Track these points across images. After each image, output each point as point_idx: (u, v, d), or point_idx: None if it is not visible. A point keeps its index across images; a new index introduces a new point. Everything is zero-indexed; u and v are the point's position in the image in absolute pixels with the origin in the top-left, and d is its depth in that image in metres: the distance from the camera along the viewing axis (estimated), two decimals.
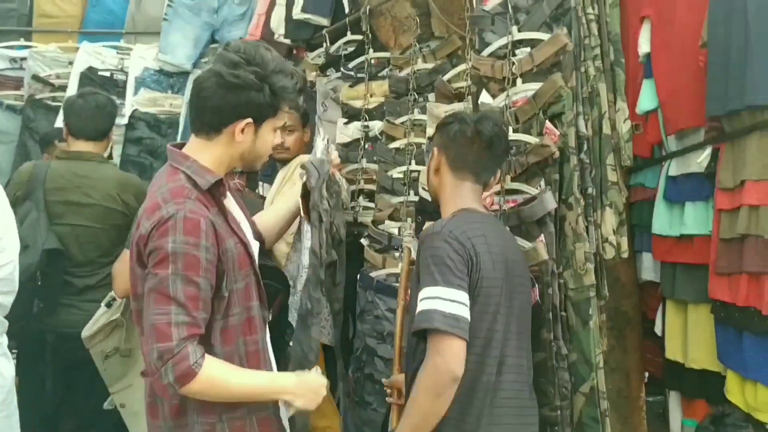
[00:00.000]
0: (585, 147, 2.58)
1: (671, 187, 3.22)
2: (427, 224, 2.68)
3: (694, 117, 3.04)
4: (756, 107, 2.66)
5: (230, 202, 2.43)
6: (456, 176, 2.49)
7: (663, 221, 3.24)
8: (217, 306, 2.24)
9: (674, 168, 3.20)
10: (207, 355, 2.14)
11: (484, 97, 2.77)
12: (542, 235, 2.55)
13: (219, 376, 2.15)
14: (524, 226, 2.62)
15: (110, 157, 5.59)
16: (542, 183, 2.58)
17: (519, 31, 2.66)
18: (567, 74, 2.54)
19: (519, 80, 2.66)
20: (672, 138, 3.26)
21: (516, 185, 2.67)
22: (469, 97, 2.98)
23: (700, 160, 2.99)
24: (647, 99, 3.30)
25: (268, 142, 2.36)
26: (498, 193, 2.73)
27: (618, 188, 2.65)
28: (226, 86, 2.22)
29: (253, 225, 2.60)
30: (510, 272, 2.37)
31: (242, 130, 2.27)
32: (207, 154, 2.29)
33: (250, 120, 2.26)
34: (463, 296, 2.23)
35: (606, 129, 2.63)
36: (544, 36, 2.58)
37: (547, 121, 2.57)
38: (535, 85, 2.60)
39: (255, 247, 2.46)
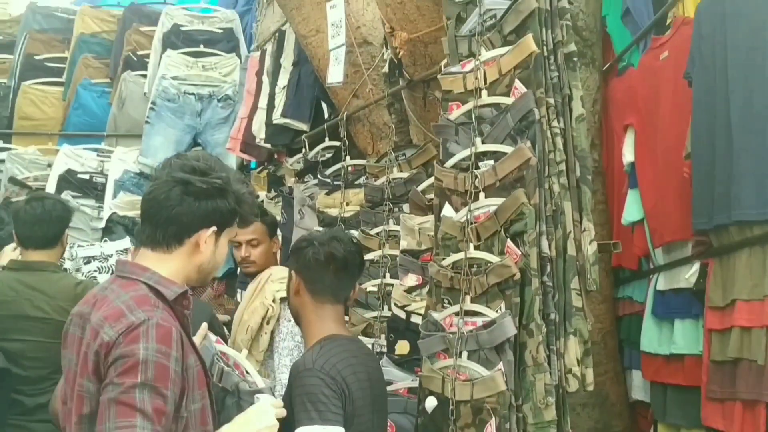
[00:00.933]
0: (548, 269, 2.39)
1: (659, 302, 3.08)
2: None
3: (680, 230, 2.92)
4: (744, 223, 2.53)
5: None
6: (315, 299, 2.53)
7: (652, 338, 3.08)
8: (174, 428, 2.04)
9: (662, 282, 3.06)
10: None
11: (447, 211, 2.63)
12: (500, 362, 2.35)
13: None
14: (482, 352, 2.42)
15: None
16: (502, 306, 2.40)
17: (483, 142, 2.53)
18: (530, 190, 2.38)
19: (482, 194, 2.52)
20: (659, 251, 3.13)
21: (476, 307, 2.49)
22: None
23: (689, 275, 2.85)
24: (633, 210, 3.20)
25: (224, 252, 2.24)
26: (456, 314, 2.55)
27: (583, 315, 2.45)
28: (194, 194, 2.09)
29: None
30: (375, 395, 2.48)
31: (204, 241, 2.13)
32: (165, 268, 2.12)
33: (215, 228, 2.13)
34: (341, 431, 2.28)
35: (571, 250, 2.44)
36: (507, 149, 2.45)
37: (508, 239, 2.41)
38: (498, 200, 2.45)
39: None
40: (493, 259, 2.44)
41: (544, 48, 2.45)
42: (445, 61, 2.83)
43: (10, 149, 6.24)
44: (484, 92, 2.52)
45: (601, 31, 3.43)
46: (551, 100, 2.49)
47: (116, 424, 1.88)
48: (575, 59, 2.57)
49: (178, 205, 2.10)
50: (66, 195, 5.78)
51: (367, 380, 2.43)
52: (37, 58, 6.50)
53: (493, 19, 2.53)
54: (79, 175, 5.96)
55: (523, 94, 2.44)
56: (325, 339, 2.45)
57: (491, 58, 2.51)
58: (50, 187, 5.88)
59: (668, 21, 3.18)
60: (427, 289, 2.90)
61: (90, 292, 2.18)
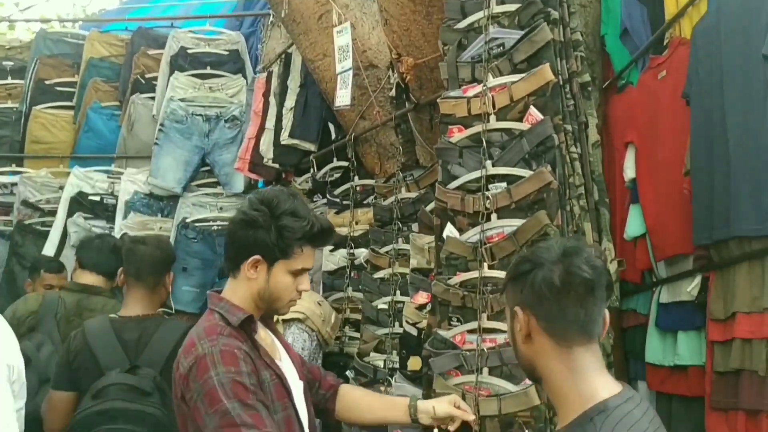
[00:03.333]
0: None
1: (663, 314, 3.15)
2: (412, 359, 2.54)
3: (681, 244, 3.00)
4: (743, 237, 2.61)
5: (266, 340, 2.42)
6: (560, 342, 1.76)
7: (656, 350, 3.15)
8: None
9: (665, 295, 3.13)
10: None
11: (450, 231, 2.73)
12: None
13: None
14: (506, 367, 2.52)
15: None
16: None
17: (493, 165, 2.63)
18: (552, 212, 2.49)
19: (494, 215, 2.61)
20: (662, 264, 3.20)
21: (496, 324, 2.58)
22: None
23: (690, 288, 2.93)
24: (634, 225, 3.27)
25: (282, 283, 2.33)
26: (470, 332, 2.64)
27: (608, 332, 2.56)
28: (240, 224, 2.31)
29: (300, 365, 2.53)
30: None
31: (254, 267, 2.30)
32: (236, 294, 2.34)
33: (258, 257, 2.29)
34: None
35: None
36: (523, 172, 2.55)
37: None
38: (513, 222, 2.55)
39: (294, 383, 2.40)
40: None
41: (560, 77, 2.56)
42: None
43: (22, 173, 6.33)
44: (493, 117, 2.61)
45: (600, 50, 3.52)
46: (569, 127, 2.60)
47: None
48: (590, 89, 2.69)
49: (231, 233, 2.37)
50: (78, 216, 5.89)
51: None
52: (47, 82, 6.57)
53: (501, 48, 2.62)
54: (90, 197, 6.04)
55: (542, 121, 2.55)
56: (597, 412, 1.67)
57: (500, 84, 2.60)
58: (62, 210, 5.97)
59: (665, 41, 3.27)
60: None
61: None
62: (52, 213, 6.01)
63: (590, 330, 1.75)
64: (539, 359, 1.79)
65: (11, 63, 6.77)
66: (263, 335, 2.42)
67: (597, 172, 2.82)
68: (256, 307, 2.35)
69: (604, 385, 1.73)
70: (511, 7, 2.61)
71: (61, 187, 6.09)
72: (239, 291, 2.34)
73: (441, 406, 2.43)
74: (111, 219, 6.00)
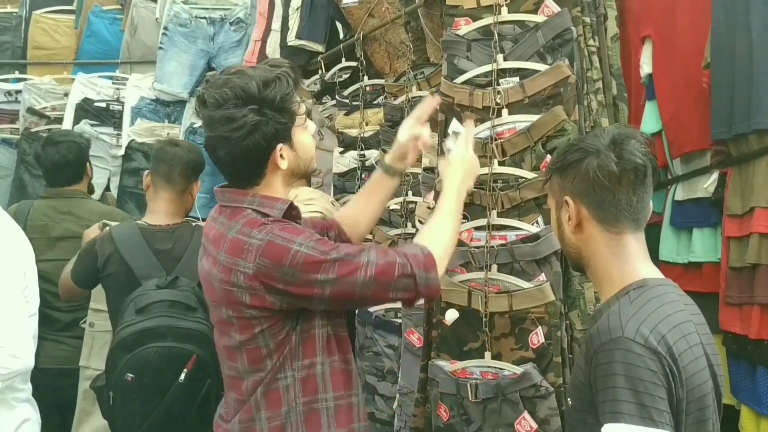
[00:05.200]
0: None
1: (677, 212, 3.11)
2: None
3: (699, 140, 2.94)
4: (763, 131, 2.55)
5: None
6: (610, 229, 1.80)
7: (670, 248, 3.13)
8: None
9: (680, 193, 3.09)
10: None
11: (455, 127, 2.65)
12: (541, 274, 2.42)
13: (437, 248, 2.11)
14: (517, 264, 2.49)
15: (107, 188, 5.59)
16: (539, 220, 2.46)
17: (505, 59, 2.55)
18: (569, 107, 2.41)
19: (505, 111, 2.54)
20: (677, 161, 3.15)
21: (507, 221, 2.54)
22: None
23: (707, 185, 2.88)
24: (650, 121, 3.20)
25: (307, 143, 2.23)
26: (477, 228, 2.60)
27: None
28: (236, 139, 2.07)
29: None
30: (713, 373, 1.76)
31: (281, 156, 2.14)
32: (264, 188, 2.18)
33: (280, 145, 2.13)
34: None
35: None
36: (536, 66, 2.47)
37: (548, 155, 2.45)
38: (525, 117, 2.48)
39: None
40: (528, 174, 2.49)
41: None
42: None
43: (26, 79, 6.26)
44: (504, 9, 2.52)
45: None
46: (587, 19, 2.51)
47: (351, 277, 2.02)
48: None
49: (234, 159, 2.15)
50: (84, 124, 5.84)
51: (702, 352, 1.72)
52: None
53: None
54: (96, 104, 5.97)
55: (559, 12, 2.46)
56: (637, 287, 1.75)
57: None
58: (68, 116, 5.92)
59: None
60: None
61: (206, 224, 2.25)
62: (59, 120, 5.96)
63: (640, 217, 1.81)
64: (588, 247, 1.84)
65: None
66: None
67: (616, 66, 2.74)
68: (288, 190, 2.24)
69: (648, 269, 1.81)
70: None
71: (66, 94, 6.03)
72: (267, 186, 2.17)
73: (401, 134, 2.48)
74: (118, 125, 5.96)
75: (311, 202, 3.40)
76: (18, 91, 6.21)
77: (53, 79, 6.22)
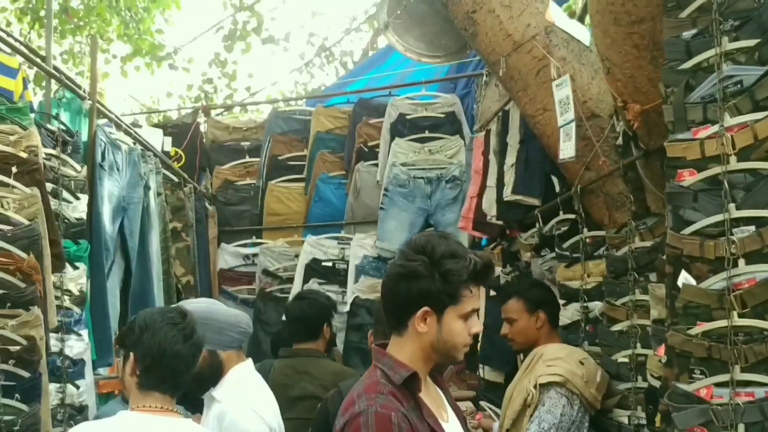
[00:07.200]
0: None
1: None
2: None
3: None
4: None
5: (435, 398, 2.35)
6: None
7: None
8: None
9: None
10: None
11: (685, 278, 2.58)
12: None
13: None
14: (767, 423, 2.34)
15: (333, 343, 5.84)
16: None
17: (737, 208, 2.49)
18: None
19: (741, 260, 2.47)
20: None
21: (754, 376, 2.41)
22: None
23: None
24: None
25: (456, 330, 2.23)
26: (721, 384, 2.47)
27: None
28: (399, 278, 2.23)
29: (465, 422, 2.49)
30: None
31: (423, 320, 2.21)
32: (402, 350, 2.25)
33: (426, 308, 2.20)
34: None
35: None
36: None
37: None
38: (766, 267, 2.39)
39: None
40: None
41: None
42: None
43: (262, 243, 6.83)
44: (733, 158, 2.49)
45: None
46: None
47: None
48: None
49: (388, 291, 2.28)
50: (312, 282, 6.24)
51: None
52: (280, 158, 7.08)
53: (738, 86, 2.50)
54: (323, 263, 6.40)
55: None
56: None
57: (739, 123, 2.48)
58: (298, 277, 6.36)
59: None
60: None
61: None
62: (290, 280, 6.43)
63: None
64: None
65: (248, 143, 7.36)
66: (431, 392, 2.33)
67: None
68: (425, 361, 2.26)
69: None
70: (749, 43, 2.48)
71: (297, 256, 6.53)
72: (406, 347, 2.24)
73: None
74: (343, 283, 6.31)
75: (554, 362, 3.37)
76: (255, 255, 6.78)
77: (285, 242, 6.75)
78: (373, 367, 2.27)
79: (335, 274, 6.39)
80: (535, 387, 3.37)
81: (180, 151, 7.10)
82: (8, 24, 11.44)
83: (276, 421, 3.04)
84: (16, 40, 4.74)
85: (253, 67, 27.41)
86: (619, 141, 3.53)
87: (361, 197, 6.70)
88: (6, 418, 3.10)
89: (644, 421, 3.15)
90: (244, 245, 7.01)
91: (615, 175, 3.72)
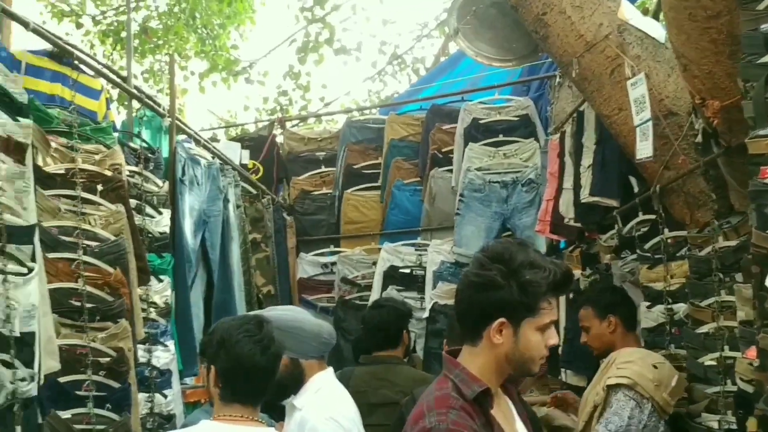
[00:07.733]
0: None
1: None
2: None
3: None
4: None
5: (506, 412, 2.29)
6: None
7: None
8: None
9: None
10: None
11: None
12: None
13: None
14: None
15: (413, 350, 5.85)
16: None
17: None
18: None
19: None
20: None
21: None
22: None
23: None
24: None
25: (533, 342, 2.16)
26: None
27: None
28: (474, 287, 2.16)
29: None
30: None
31: (499, 332, 2.14)
32: (475, 362, 2.18)
33: (503, 320, 2.13)
34: None
35: None
36: None
37: None
38: None
39: None
40: None
41: None
42: None
43: (340, 252, 6.90)
44: None
45: None
46: None
47: None
48: None
49: (462, 300, 2.21)
50: (391, 289, 6.27)
51: None
52: (355, 167, 7.15)
53: None
54: (400, 270, 6.44)
55: None
56: None
57: None
58: (376, 284, 6.41)
59: None
60: None
61: None
62: (368, 288, 6.48)
63: None
64: None
65: (323, 153, 7.46)
66: (502, 406, 2.26)
67: None
68: (499, 373, 2.19)
69: None
70: None
71: (374, 263, 6.58)
72: (479, 358, 2.17)
73: None
74: (421, 290, 6.32)
75: (625, 365, 3.33)
76: (333, 263, 6.86)
77: (363, 250, 6.82)
78: (443, 378, 2.21)
79: (413, 281, 6.42)
80: (603, 389, 3.34)
81: (257, 164, 7.24)
82: (92, 46, 11.87)
83: (356, 428, 3.07)
84: (98, 62, 4.91)
85: (326, 77, 27.70)
86: (699, 138, 3.44)
87: (437, 203, 6.71)
88: (99, 427, 3.23)
89: (735, 426, 3.06)
90: (322, 254, 7.11)
91: (695, 173, 3.63)
